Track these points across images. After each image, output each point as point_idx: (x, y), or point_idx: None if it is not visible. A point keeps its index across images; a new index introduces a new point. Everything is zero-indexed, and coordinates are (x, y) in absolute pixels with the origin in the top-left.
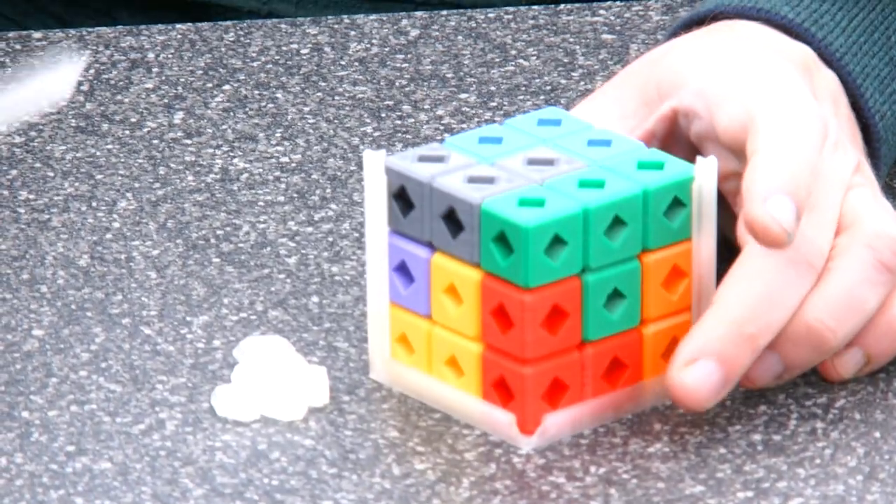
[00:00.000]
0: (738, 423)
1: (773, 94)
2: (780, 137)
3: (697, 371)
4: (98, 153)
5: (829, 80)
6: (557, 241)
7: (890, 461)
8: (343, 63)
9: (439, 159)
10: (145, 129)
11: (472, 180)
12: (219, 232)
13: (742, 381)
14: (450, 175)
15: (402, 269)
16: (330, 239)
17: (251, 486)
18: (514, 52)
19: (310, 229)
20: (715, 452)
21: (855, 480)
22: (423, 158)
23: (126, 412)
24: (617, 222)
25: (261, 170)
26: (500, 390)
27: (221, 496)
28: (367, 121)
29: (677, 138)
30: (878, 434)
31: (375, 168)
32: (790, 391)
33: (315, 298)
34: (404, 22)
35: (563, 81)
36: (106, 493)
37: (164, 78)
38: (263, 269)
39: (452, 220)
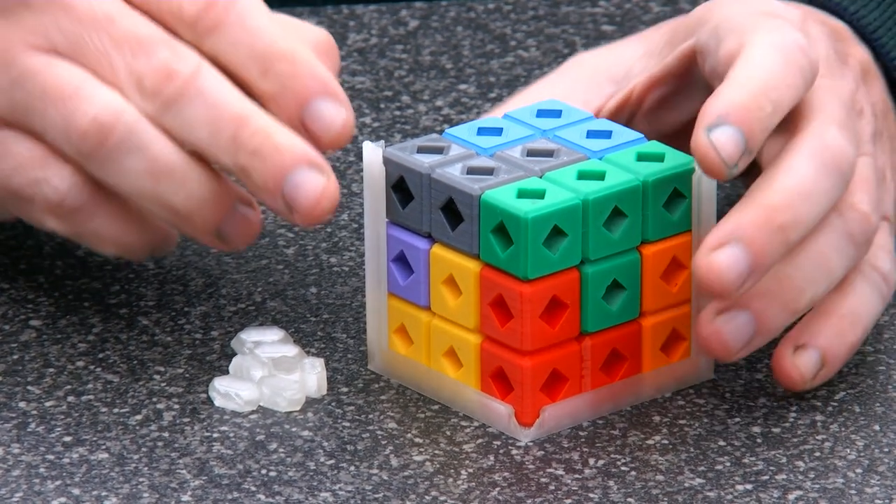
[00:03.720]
0: (738, 415)
1: (766, 30)
2: (750, 68)
3: (725, 255)
4: None
5: (861, 54)
6: (557, 233)
7: (889, 454)
8: (342, 53)
9: (438, 150)
10: None
11: (472, 171)
12: None
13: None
14: (449, 166)
15: (401, 261)
16: (328, 230)
17: (249, 477)
18: (513, 43)
19: None
20: (714, 445)
21: (854, 473)
22: (422, 149)
23: (123, 402)
24: (616, 214)
25: None
26: (498, 382)
27: (219, 487)
28: (366, 111)
29: (696, 79)
30: (877, 427)
31: (374, 159)
32: None
33: (313, 289)
34: (404, 12)
35: None
36: (103, 483)
37: None
38: (262, 260)
39: (451, 212)
